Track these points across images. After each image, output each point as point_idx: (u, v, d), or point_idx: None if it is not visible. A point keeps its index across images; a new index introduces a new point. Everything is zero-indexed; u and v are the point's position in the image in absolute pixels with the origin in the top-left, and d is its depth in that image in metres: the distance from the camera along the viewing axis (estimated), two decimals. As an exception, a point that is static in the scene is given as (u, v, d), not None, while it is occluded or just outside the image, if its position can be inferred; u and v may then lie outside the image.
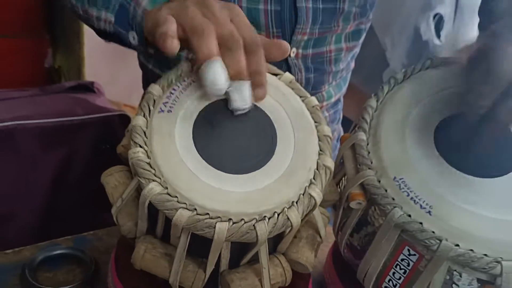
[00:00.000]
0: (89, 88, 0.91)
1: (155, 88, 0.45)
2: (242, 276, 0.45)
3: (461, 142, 0.47)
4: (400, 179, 0.46)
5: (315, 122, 0.47)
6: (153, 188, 0.40)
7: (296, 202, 0.42)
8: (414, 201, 0.45)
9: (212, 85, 0.41)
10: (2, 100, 0.79)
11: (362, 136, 0.50)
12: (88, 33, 1.22)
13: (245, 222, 0.40)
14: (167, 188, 0.40)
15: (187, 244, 0.42)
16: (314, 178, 0.43)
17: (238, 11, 0.45)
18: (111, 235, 0.67)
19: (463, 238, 0.42)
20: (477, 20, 0.74)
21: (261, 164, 0.43)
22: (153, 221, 0.44)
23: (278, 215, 0.41)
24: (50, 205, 0.77)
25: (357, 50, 0.85)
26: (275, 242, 0.46)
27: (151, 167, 0.41)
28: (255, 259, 0.45)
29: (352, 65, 0.88)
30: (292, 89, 0.49)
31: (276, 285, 0.47)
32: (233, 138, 0.44)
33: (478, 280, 0.44)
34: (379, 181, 0.47)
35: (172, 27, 0.42)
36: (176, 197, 0.40)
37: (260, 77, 0.44)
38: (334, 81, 0.82)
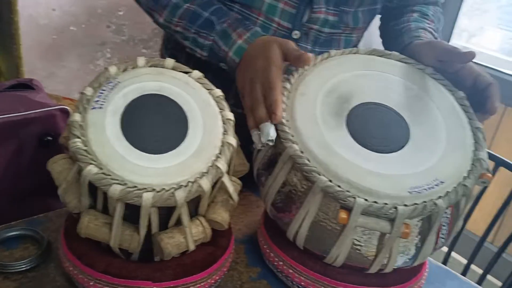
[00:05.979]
0: (28, 85, 0.98)
1: (88, 90, 0.55)
2: (169, 235, 0.56)
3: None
4: None
5: (220, 109, 0.59)
6: (90, 170, 0.51)
7: (206, 173, 0.54)
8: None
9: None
10: None
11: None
12: (24, 34, 1.28)
13: (166, 191, 0.51)
14: (102, 169, 0.51)
15: (123, 212, 0.53)
16: (219, 153, 0.55)
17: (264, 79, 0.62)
18: (59, 216, 0.76)
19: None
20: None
21: (176, 145, 0.54)
22: (94, 197, 0.55)
23: (192, 183, 0.53)
24: (3, 194, 0.85)
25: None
26: (195, 206, 0.58)
27: (88, 153, 0.52)
28: (181, 222, 0.56)
29: None
30: (201, 84, 0.60)
31: (198, 241, 0.59)
32: (153, 126, 0.55)
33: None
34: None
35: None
36: (110, 175, 0.51)
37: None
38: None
